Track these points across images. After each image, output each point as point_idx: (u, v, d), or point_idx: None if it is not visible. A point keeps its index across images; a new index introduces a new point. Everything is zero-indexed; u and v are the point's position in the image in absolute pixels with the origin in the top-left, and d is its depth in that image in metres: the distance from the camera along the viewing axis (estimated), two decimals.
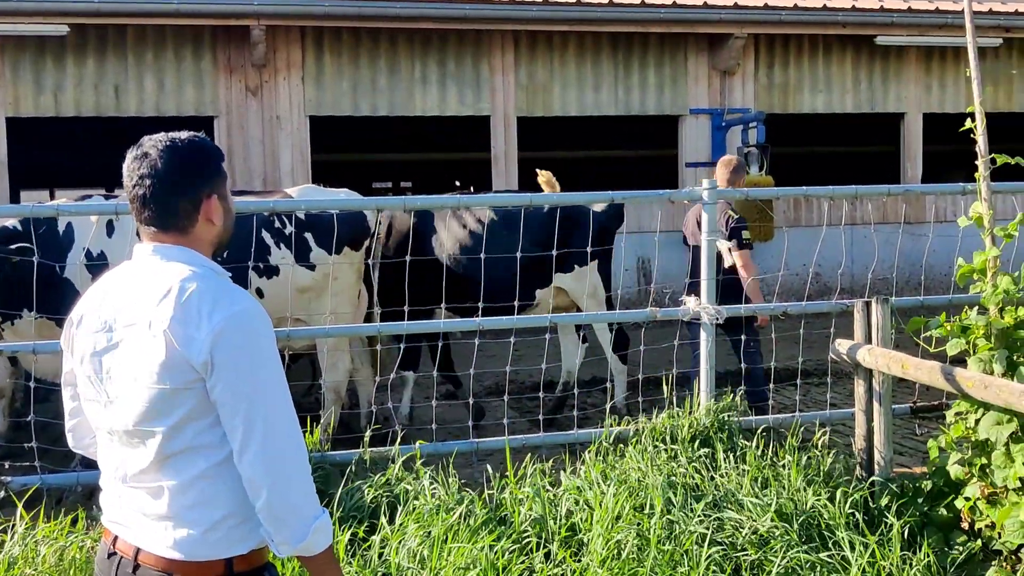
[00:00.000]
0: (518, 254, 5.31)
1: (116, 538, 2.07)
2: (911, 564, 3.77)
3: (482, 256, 5.64)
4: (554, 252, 5.72)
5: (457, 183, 23.89)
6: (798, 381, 5.91)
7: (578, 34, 11.45)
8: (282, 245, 5.92)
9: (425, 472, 4.30)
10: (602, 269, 7.11)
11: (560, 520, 3.99)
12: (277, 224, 5.90)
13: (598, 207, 6.85)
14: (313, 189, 6.66)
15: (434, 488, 4.14)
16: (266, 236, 5.86)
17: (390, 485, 4.21)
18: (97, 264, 5.53)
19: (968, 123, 4.40)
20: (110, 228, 5.78)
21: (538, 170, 7.17)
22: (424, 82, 11.20)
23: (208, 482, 1.98)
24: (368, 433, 4.70)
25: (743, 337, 5.63)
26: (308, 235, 6.02)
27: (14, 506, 4.16)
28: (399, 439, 4.66)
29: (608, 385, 6.20)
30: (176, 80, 10.57)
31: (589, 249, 5.94)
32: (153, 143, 2.06)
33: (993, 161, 4.32)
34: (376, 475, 4.33)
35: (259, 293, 5.80)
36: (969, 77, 4.44)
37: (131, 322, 1.99)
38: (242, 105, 10.76)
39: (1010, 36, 12.14)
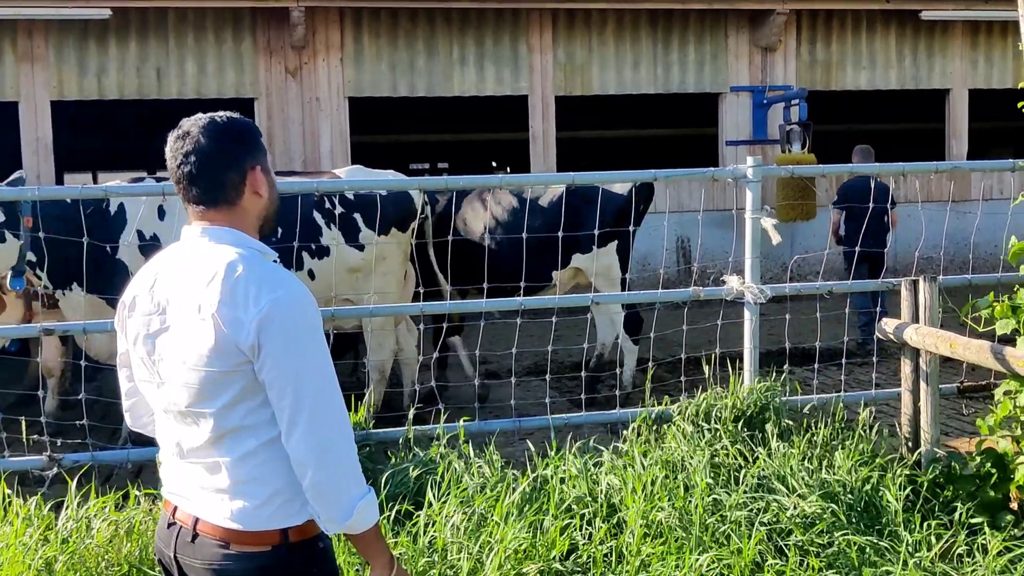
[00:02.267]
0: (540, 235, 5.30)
1: (176, 509, 2.13)
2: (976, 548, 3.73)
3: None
4: (598, 231, 5.69)
5: (494, 163, 23.89)
6: (843, 361, 5.84)
7: (617, 11, 11.36)
8: (332, 225, 5.97)
9: (469, 450, 4.33)
10: (621, 250, 7.05)
11: (601, 498, 3.99)
12: (327, 205, 5.96)
13: (618, 188, 6.80)
14: (360, 170, 6.68)
15: (480, 466, 4.17)
16: (317, 216, 5.91)
17: (434, 463, 4.24)
18: (150, 245, 5.62)
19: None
20: (161, 212, 5.85)
21: None
22: (462, 62, 11.19)
23: (260, 459, 2.02)
24: (412, 411, 4.73)
25: None
26: (357, 215, 6.07)
27: (65, 483, 4.24)
28: (443, 418, 4.69)
29: (628, 366, 6.16)
30: (217, 62, 10.65)
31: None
32: (192, 122, 2.10)
33: None
34: (421, 453, 4.36)
35: (311, 274, 5.86)
36: (1019, 51, 4.36)
37: (180, 305, 2.03)
38: (282, 87, 10.82)
39: None
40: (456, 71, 11.18)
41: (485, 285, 5.22)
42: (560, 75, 11.46)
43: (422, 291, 5.80)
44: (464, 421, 4.65)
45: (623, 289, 6.97)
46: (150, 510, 3.95)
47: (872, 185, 7.78)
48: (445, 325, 6.44)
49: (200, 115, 2.13)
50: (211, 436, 2.03)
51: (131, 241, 5.66)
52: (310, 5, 10.29)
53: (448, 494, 3.96)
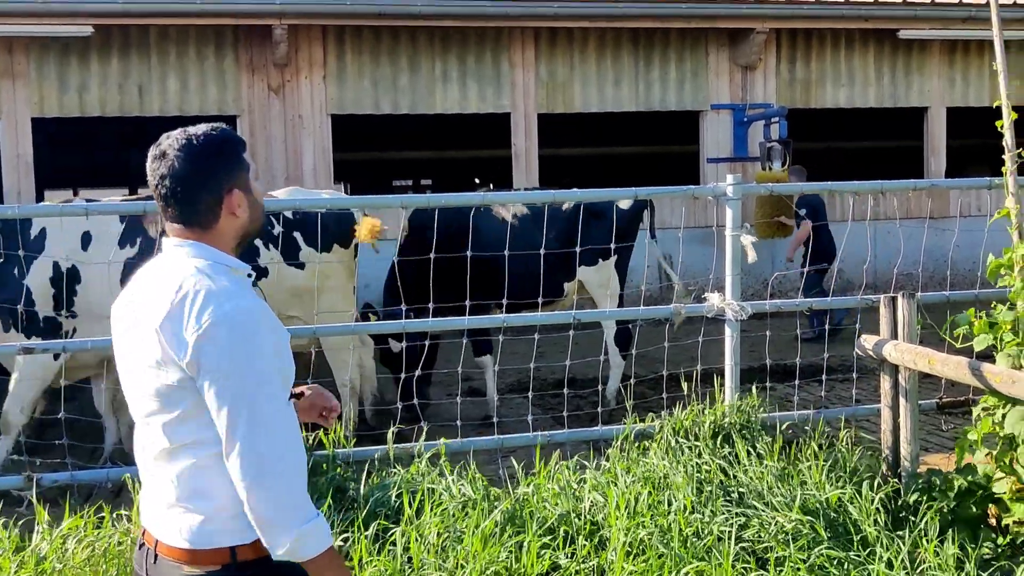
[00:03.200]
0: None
1: (145, 531, 2.14)
2: (942, 558, 3.75)
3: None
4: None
5: (477, 180, 23.94)
6: (823, 377, 5.87)
7: (598, 30, 11.43)
8: (271, 246, 5.95)
9: (451, 468, 4.32)
10: (619, 265, 7.19)
11: (584, 516, 3.99)
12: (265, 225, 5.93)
13: (623, 204, 6.91)
14: (297, 191, 6.82)
15: (461, 484, 4.15)
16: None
17: (415, 481, 4.23)
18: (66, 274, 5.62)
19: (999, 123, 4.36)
20: (87, 239, 5.81)
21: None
22: (445, 80, 11.22)
23: (206, 474, 2.02)
24: (393, 428, 4.72)
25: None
26: (297, 234, 6.06)
27: (51, 502, 4.20)
28: (423, 435, 4.68)
29: (612, 380, 6.20)
30: (199, 80, 10.64)
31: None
32: (170, 141, 2.08)
33: (1020, 155, 4.28)
34: (401, 471, 4.35)
35: None
36: (994, 70, 4.41)
37: (143, 318, 2.05)
38: (264, 104, 10.82)
39: None
40: (439, 88, 11.21)
41: (472, 299, 5.21)
42: (542, 93, 11.51)
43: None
44: (443, 440, 4.63)
45: (620, 304, 7.14)
46: (127, 530, 3.91)
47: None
48: (435, 343, 6.46)
49: (179, 132, 2.10)
50: (165, 449, 2.04)
51: (44, 267, 5.63)
52: (293, 23, 10.30)
53: (430, 512, 3.95)
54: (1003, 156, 4.39)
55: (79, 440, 5.27)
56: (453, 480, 4.19)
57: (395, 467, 4.44)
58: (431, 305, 5.19)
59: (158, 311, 2.00)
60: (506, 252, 5.23)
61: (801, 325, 9.29)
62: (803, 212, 10.13)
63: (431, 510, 3.94)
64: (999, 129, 4.39)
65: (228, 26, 10.45)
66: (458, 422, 5.02)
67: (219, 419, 1.96)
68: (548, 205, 6.51)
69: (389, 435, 4.70)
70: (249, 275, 2.15)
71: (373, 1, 10.25)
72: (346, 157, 15.36)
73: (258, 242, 5.90)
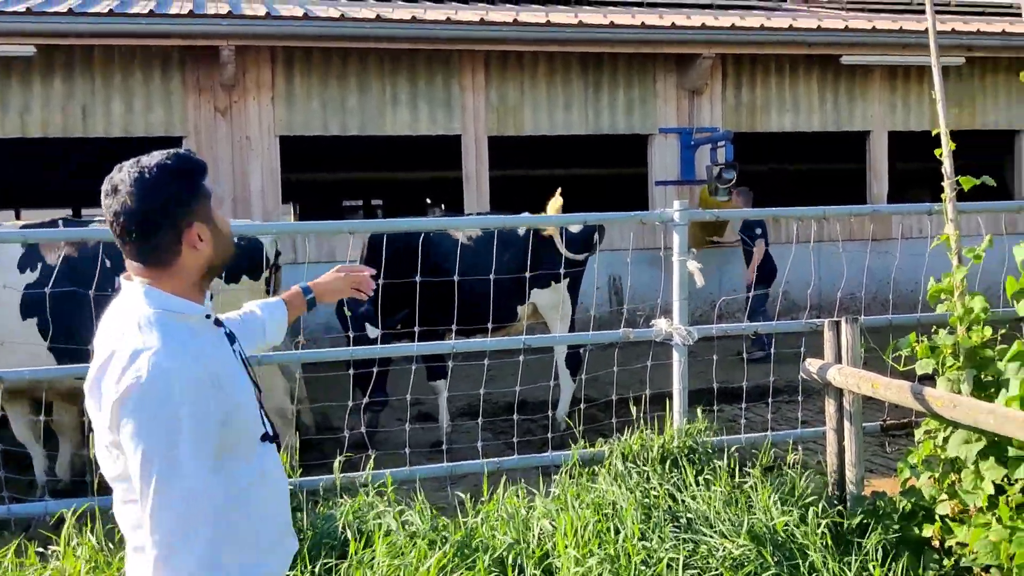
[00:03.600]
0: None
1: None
2: None
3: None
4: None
5: (428, 200, 23.91)
6: (769, 400, 5.91)
7: (548, 54, 11.50)
8: None
9: (398, 499, 4.26)
10: (572, 288, 7.24)
11: (533, 544, 3.96)
12: None
13: (573, 227, 6.94)
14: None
15: (407, 516, 4.10)
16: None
17: (362, 512, 4.16)
18: None
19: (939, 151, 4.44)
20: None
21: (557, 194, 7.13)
22: (395, 102, 11.19)
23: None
24: (340, 458, 4.65)
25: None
26: None
27: None
28: (371, 464, 4.62)
29: (563, 403, 6.22)
30: (144, 101, 10.48)
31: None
32: (122, 175, 1.95)
33: (959, 183, 4.36)
34: (347, 501, 4.28)
35: None
36: (934, 98, 4.49)
37: (89, 372, 1.96)
38: (211, 126, 10.69)
39: (972, 55, 12.31)
40: (389, 111, 11.18)
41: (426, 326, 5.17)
42: (493, 116, 11.53)
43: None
44: (390, 471, 4.58)
45: (572, 326, 7.15)
46: (60, 570, 3.79)
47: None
48: (384, 369, 6.39)
49: (131, 164, 1.97)
50: (118, 501, 1.96)
51: None
52: (240, 44, 10.21)
53: (377, 544, 3.88)
54: (942, 183, 4.47)
55: (16, 474, 5.12)
56: (400, 511, 4.13)
57: (342, 497, 4.37)
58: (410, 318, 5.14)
59: (93, 368, 1.92)
60: (455, 277, 5.20)
61: (748, 348, 9.40)
62: (758, 231, 10.26)
63: (379, 541, 3.87)
64: (938, 157, 4.47)
65: (175, 47, 10.32)
66: (407, 450, 4.96)
67: (134, 484, 1.86)
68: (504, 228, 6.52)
69: (336, 464, 4.63)
70: (208, 316, 2.04)
71: (322, 23, 10.21)
72: (295, 178, 15.27)
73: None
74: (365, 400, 6.14)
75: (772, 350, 9.56)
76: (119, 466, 1.92)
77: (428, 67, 11.26)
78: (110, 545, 3.97)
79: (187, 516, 1.84)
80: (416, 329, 5.05)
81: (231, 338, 2.15)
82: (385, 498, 4.29)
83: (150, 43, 10.06)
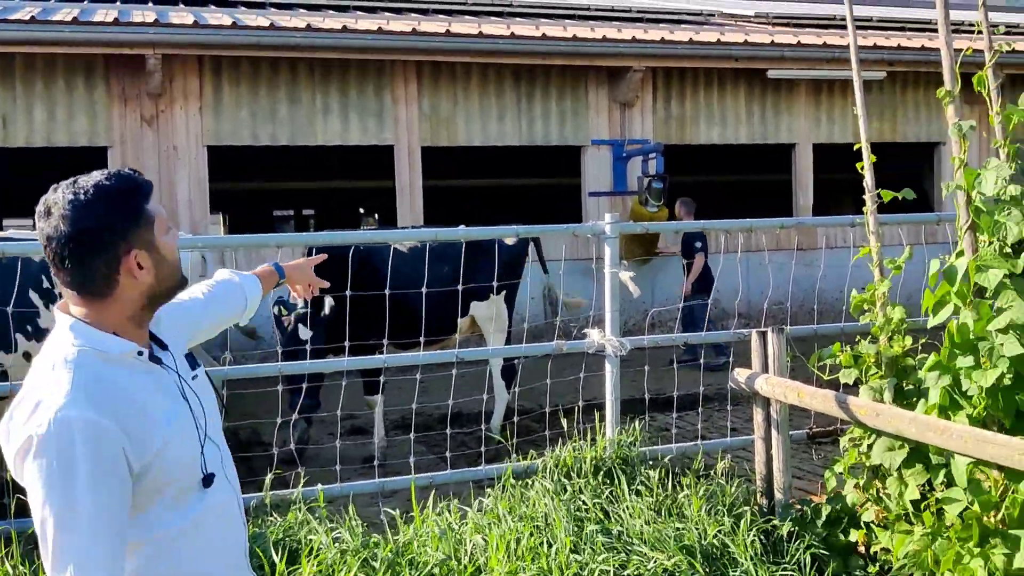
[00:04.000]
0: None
1: None
2: None
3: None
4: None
5: (362, 211, 23.74)
6: (700, 409, 5.98)
7: (481, 65, 11.52)
8: (51, 306, 5.69)
9: (330, 516, 4.20)
10: (508, 299, 7.27)
11: (465, 560, 3.93)
12: (46, 284, 5.64)
13: (508, 239, 6.96)
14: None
15: (337, 533, 4.04)
16: (34, 296, 5.58)
17: (292, 530, 4.09)
18: None
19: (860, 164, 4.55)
20: None
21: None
22: (326, 111, 11.09)
23: None
24: (270, 475, 4.57)
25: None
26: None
27: None
28: (302, 481, 4.55)
29: (497, 414, 6.22)
30: (67, 110, 10.22)
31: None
32: (55, 196, 1.82)
33: (879, 196, 4.47)
34: (278, 519, 4.20)
35: (26, 356, 5.50)
36: (855, 111, 4.60)
37: None
38: (137, 135, 10.46)
39: (893, 69, 12.67)
40: (319, 120, 11.07)
41: (384, 341, 5.11)
42: (425, 126, 11.50)
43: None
44: (321, 487, 4.51)
45: (508, 338, 7.19)
46: None
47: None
48: (314, 384, 6.30)
49: (65, 184, 1.84)
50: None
51: None
52: (167, 52, 10.01)
53: (306, 564, 3.82)
54: (864, 196, 4.58)
55: None
56: (330, 527, 4.07)
57: (272, 515, 4.29)
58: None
59: (11, 406, 1.81)
60: (387, 291, 5.16)
61: (707, 356, 9.44)
62: (699, 244, 10.36)
63: (308, 560, 3.81)
64: (861, 171, 4.58)
65: (99, 55, 10.09)
66: (338, 466, 4.89)
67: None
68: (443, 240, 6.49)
69: (267, 481, 4.54)
70: (140, 352, 1.90)
71: (250, 32, 10.06)
72: (224, 188, 15.03)
73: (37, 300, 5.55)
74: (295, 417, 6.04)
75: (703, 359, 9.64)
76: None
77: (360, 77, 11.18)
78: (30, 568, 3.84)
79: (91, 566, 1.72)
80: (347, 344, 4.99)
81: (191, 363, 2.06)
82: (316, 515, 4.22)
83: (73, 51, 9.82)
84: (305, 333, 6.29)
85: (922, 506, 3.98)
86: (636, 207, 11.73)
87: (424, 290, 5.29)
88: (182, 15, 10.79)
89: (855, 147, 4.58)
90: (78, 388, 1.78)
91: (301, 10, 12.93)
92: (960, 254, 3.87)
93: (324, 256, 2.98)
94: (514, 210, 16.96)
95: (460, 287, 6.02)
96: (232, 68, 10.71)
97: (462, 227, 6.98)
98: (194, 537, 1.93)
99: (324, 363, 5.22)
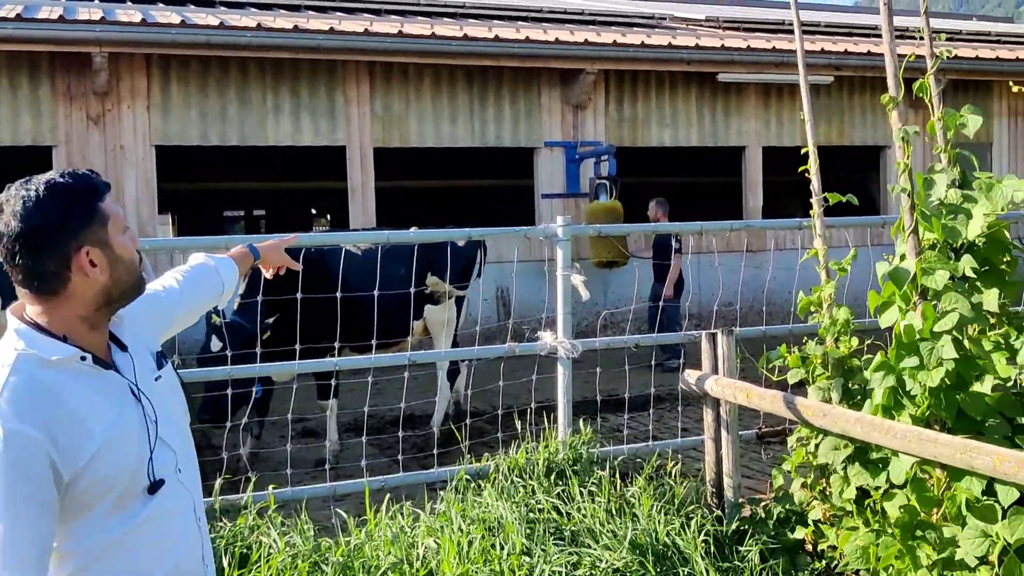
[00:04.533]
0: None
1: None
2: None
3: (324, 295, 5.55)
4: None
5: (314, 211, 23.56)
6: (651, 410, 6.03)
7: (433, 66, 11.50)
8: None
9: (279, 520, 4.17)
10: (458, 302, 7.28)
11: (417, 564, 3.93)
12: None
13: (460, 241, 6.95)
14: None
15: (289, 537, 4.01)
16: None
17: (242, 536, 4.05)
18: None
19: (807, 165, 4.63)
20: None
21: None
22: (277, 111, 10.99)
23: None
24: (219, 480, 4.52)
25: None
26: None
27: None
28: (252, 485, 4.50)
29: (438, 412, 6.21)
30: (11, 109, 10.00)
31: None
32: (7, 194, 1.83)
33: (826, 199, 4.55)
34: (227, 524, 4.16)
35: None
36: (802, 117, 4.68)
37: None
38: (83, 134, 10.28)
39: (840, 74, 12.89)
40: (270, 121, 10.97)
41: (337, 345, 5.08)
42: (378, 127, 11.45)
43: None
44: (272, 489, 4.48)
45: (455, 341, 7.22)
46: None
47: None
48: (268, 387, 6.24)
49: (19, 183, 1.85)
50: None
51: None
52: (113, 51, 9.84)
53: (257, 569, 3.79)
54: (811, 200, 4.66)
55: None
56: (282, 532, 4.04)
57: (222, 520, 4.24)
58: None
59: None
60: (338, 294, 5.13)
61: (660, 355, 9.52)
62: (676, 245, 10.24)
63: (259, 565, 3.78)
64: (806, 175, 4.66)
65: (44, 53, 9.89)
66: (288, 470, 4.85)
67: None
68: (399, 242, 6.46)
69: (216, 486, 4.49)
70: (83, 357, 1.88)
71: (199, 31, 9.93)
72: (173, 187, 14.83)
73: None
74: (244, 420, 5.99)
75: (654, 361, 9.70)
76: None
77: (311, 77, 11.10)
78: None
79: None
80: (298, 347, 4.96)
81: (159, 362, 2.06)
82: (267, 519, 4.19)
83: (17, 48, 9.61)
84: (216, 345, 6.14)
85: (865, 503, 4.06)
86: (593, 208, 11.63)
87: (376, 292, 5.27)
88: (129, 13, 10.61)
89: (803, 151, 4.67)
90: (7, 396, 1.77)
91: (252, 9, 12.79)
92: (902, 257, 3.95)
93: (297, 235, 3.01)
94: (467, 212, 16.95)
95: (413, 289, 5.98)
96: (181, 67, 10.57)
97: (413, 229, 6.98)
98: (135, 543, 1.91)
99: (275, 366, 5.18)
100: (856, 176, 15.01)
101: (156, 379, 2.04)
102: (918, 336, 3.70)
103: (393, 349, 6.99)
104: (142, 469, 1.92)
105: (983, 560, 3.35)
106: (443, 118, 11.73)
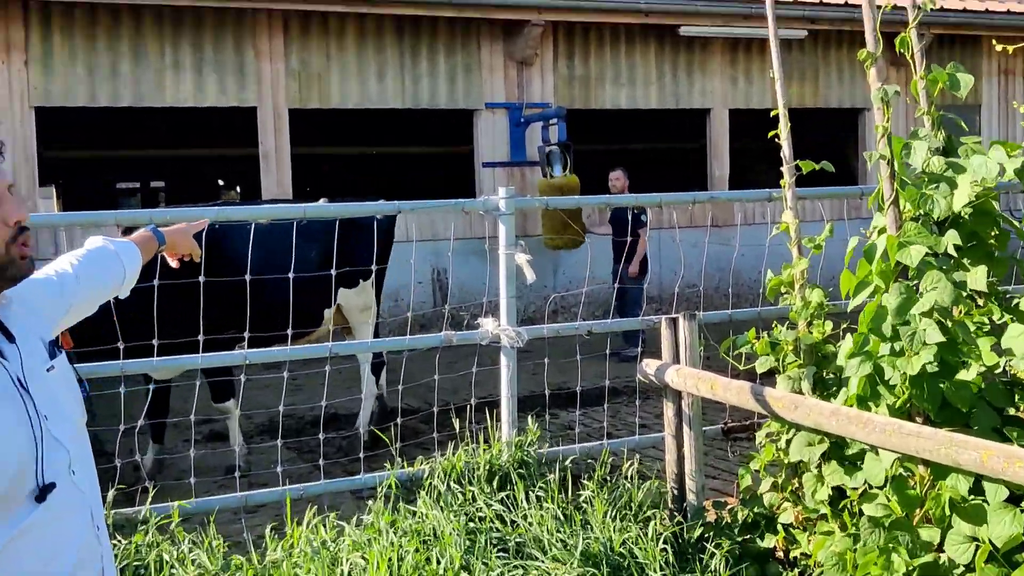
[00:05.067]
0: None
1: None
2: None
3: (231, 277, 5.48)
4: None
5: (221, 182, 23.26)
6: (605, 405, 6.08)
7: (358, 16, 11.39)
8: None
9: (184, 535, 4.13)
10: (378, 283, 7.21)
11: None
12: None
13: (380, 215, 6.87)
14: None
15: (195, 554, 3.97)
16: None
17: (139, 554, 4.00)
18: None
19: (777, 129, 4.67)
20: None
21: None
22: (176, 68, 10.80)
23: None
24: (112, 492, 4.45)
25: None
26: None
27: None
28: (150, 496, 4.45)
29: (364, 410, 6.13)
30: None
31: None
32: None
33: (798, 167, 4.60)
34: (123, 542, 4.10)
35: None
36: (772, 74, 4.72)
37: None
38: None
39: (815, 28, 13.04)
40: (169, 79, 10.78)
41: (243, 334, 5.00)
42: (294, 85, 11.32)
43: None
44: (177, 503, 4.42)
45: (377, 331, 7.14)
46: None
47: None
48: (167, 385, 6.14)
49: None
50: None
51: None
52: None
53: None
54: (782, 168, 4.70)
55: None
56: (187, 549, 4.00)
57: (116, 537, 4.18)
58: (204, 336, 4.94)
59: None
60: (247, 277, 5.07)
61: (617, 343, 9.56)
62: (644, 219, 10.30)
63: None
64: (776, 140, 4.71)
65: None
66: (192, 479, 4.80)
67: None
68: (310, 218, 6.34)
69: (109, 497, 4.43)
70: None
71: None
72: (57, 155, 14.51)
73: None
74: (141, 421, 5.89)
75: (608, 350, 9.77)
76: None
77: (216, 29, 10.93)
78: None
79: None
80: (201, 337, 4.88)
81: (51, 352, 2.06)
82: (169, 535, 4.14)
83: None
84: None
85: (841, 505, 4.13)
86: (542, 185, 11.54)
87: (291, 275, 5.21)
88: None
89: (773, 113, 4.71)
90: None
91: None
92: (882, 231, 4.02)
93: (207, 221, 3.02)
94: (397, 183, 16.87)
95: (333, 271, 5.87)
96: (65, 17, 10.33)
97: (322, 200, 6.86)
98: (19, 553, 1.88)
99: (175, 360, 5.10)
100: (832, 142, 15.23)
101: (48, 370, 2.04)
102: (891, 319, 3.75)
103: (301, 342, 6.76)
104: (27, 471, 1.90)
105: (969, 567, 3.43)
106: (369, 76, 11.64)
